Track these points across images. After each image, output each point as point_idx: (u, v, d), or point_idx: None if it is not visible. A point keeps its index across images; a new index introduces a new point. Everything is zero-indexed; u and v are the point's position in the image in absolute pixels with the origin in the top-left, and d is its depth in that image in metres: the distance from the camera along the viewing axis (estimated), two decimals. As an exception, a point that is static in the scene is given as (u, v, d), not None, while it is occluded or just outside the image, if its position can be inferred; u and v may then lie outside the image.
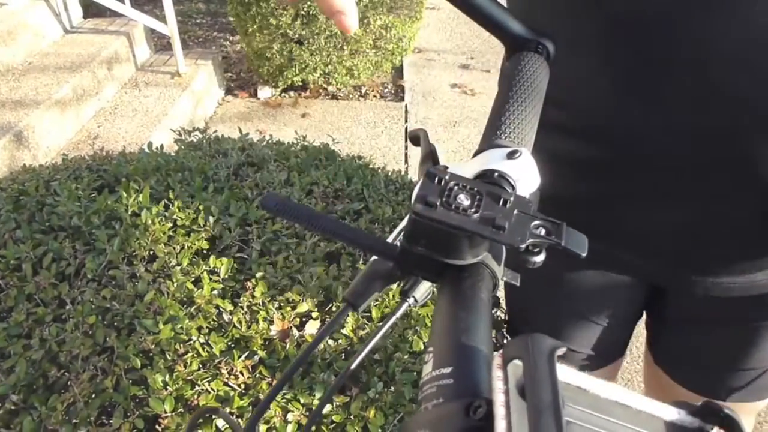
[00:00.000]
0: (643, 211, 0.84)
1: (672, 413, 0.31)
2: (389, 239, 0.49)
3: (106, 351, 1.12)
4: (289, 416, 1.05)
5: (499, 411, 0.28)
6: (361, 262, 1.31)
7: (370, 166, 1.75)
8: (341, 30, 0.60)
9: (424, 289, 0.48)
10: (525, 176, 0.46)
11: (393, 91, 4.68)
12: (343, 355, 1.15)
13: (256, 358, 1.12)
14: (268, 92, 4.46)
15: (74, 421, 1.04)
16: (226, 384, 1.08)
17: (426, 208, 0.39)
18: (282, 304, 1.19)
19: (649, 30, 0.69)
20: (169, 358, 1.10)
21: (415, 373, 1.13)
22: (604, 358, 1.15)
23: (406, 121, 4.24)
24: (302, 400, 1.07)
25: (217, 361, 1.10)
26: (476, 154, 0.50)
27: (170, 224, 1.32)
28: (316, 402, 1.07)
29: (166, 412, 1.03)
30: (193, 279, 1.22)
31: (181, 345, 1.11)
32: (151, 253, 1.27)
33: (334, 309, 1.22)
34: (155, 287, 1.19)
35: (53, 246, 1.26)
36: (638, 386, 2.35)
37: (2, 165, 2.89)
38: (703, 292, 0.88)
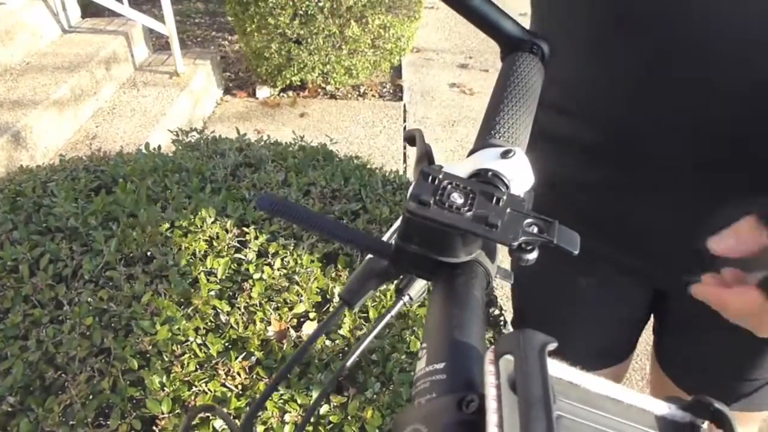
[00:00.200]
0: (645, 207, 0.84)
1: (663, 408, 0.31)
2: (384, 238, 0.49)
3: (103, 352, 1.12)
4: (287, 417, 1.05)
5: (491, 405, 0.29)
6: (358, 262, 1.31)
7: (368, 166, 1.75)
8: None
9: (419, 287, 0.48)
10: (519, 175, 0.47)
11: (391, 91, 4.68)
12: (340, 355, 1.15)
13: (253, 358, 1.12)
14: (267, 92, 4.46)
15: (71, 422, 1.04)
16: (223, 385, 1.08)
17: (419, 207, 0.39)
18: (279, 305, 1.20)
19: (650, 30, 0.69)
20: (166, 359, 1.10)
21: (412, 374, 1.13)
22: (612, 357, 1.15)
23: (404, 121, 4.24)
24: (299, 401, 1.07)
25: (214, 361, 1.10)
26: (471, 153, 0.50)
27: (167, 225, 1.32)
28: (312, 402, 1.07)
29: (163, 413, 1.03)
30: (190, 280, 1.22)
31: (179, 346, 1.11)
32: (149, 254, 1.27)
33: (331, 310, 1.22)
34: (152, 288, 1.19)
35: (50, 247, 1.26)
36: (636, 385, 2.35)
37: (0, 166, 2.89)
38: None
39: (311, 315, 1.20)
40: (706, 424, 0.31)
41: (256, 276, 1.23)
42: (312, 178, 1.55)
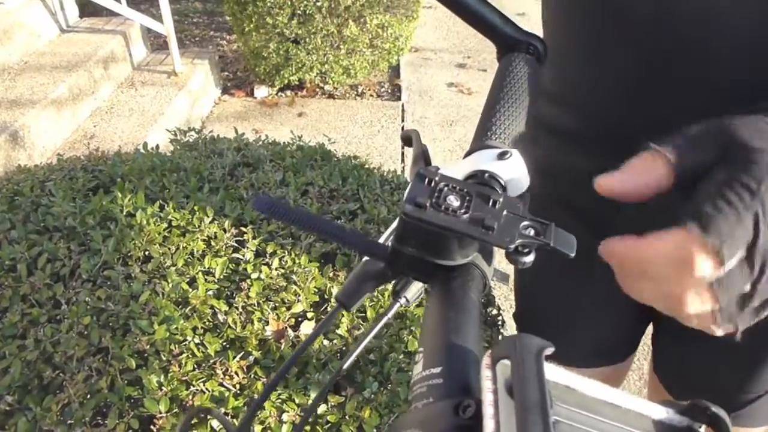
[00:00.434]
0: (645, 206, 0.84)
1: (660, 412, 0.31)
2: (381, 240, 0.49)
3: (101, 352, 1.12)
4: (284, 416, 1.05)
5: (488, 410, 0.29)
6: (356, 262, 1.31)
7: (366, 165, 1.75)
8: None
9: (416, 289, 0.49)
10: (515, 177, 0.47)
11: (390, 90, 4.68)
12: (338, 354, 1.15)
13: (251, 358, 1.12)
14: (265, 91, 4.46)
15: (69, 421, 1.04)
16: (221, 384, 1.08)
17: (415, 209, 0.39)
18: (277, 304, 1.20)
19: (650, 30, 0.69)
20: (164, 358, 1.10)
21: (410, 373, 1.13)
22: (613, 356, 1.15)
23: (402, 121, 4.24)
24: (297, 401, 1.07)
25: (212, 361, 1.10)
26: (467, 154, 0.50)
27: (165, 225, 1.32)
28: (310, 402, 1.07)
29: (161, 413, 1.03)
30: (188, 279, 1.22)
31: (176, 345, 1.11)
32: (147, 253, 1.27)
33: (329, 309, 1.22)
34: (150, 288, 1.19)
35: (48, 246, 1.26)
36: (634, 385, 2.35)
37: (-2, 165, 2.89)
38: None
39: (309, 315, 1.20)
40: (703, 428, 0.31)
41: (254, 276, 1.23)
42: (310, 178, 1.54)
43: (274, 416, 1.05)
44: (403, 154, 3.81)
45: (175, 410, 1.05)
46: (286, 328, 1.17)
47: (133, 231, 1.29)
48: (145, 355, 1.10)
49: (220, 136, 1.83)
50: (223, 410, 1.05)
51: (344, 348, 1.16)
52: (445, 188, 0.40)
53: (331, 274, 1.26)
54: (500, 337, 1.40)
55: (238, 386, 1.09)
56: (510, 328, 1.51)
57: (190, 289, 1.19)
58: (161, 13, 3.97)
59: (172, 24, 4.05)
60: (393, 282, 0.50)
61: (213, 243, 1.30)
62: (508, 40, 0.65)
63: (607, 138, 0.81)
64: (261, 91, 4.45)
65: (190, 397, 1.06)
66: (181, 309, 1.16)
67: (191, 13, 5.93)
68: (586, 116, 0.84)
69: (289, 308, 1.19)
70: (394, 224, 0.46)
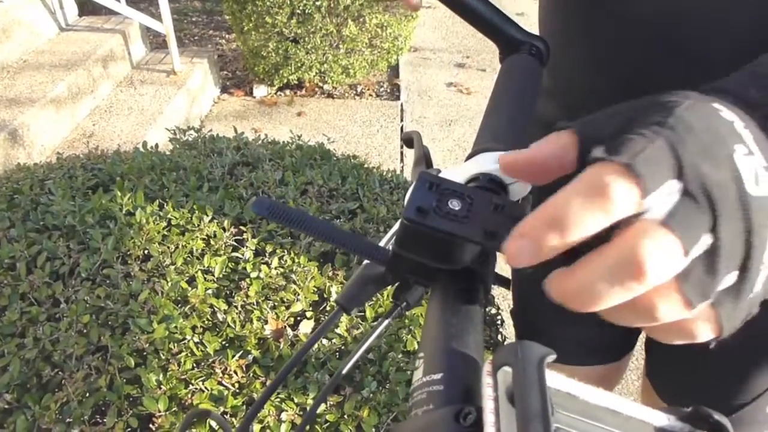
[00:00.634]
0: None
1: (662, 419, 0.31)
2: (381, 243, 0.49)
3: (100, 350, 1.12)
4: (283, 416, 1.05)
5: (489, 418, 0.28)
6: (355, 262, 1.31)
7: (366, 165, 1.75)
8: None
9: (417, 293, 0.48)
10: (518, 180, 0.47)
11: (389, 90, 4.68)
12: (337, 354, 1.15)
13: (250, 357, 1.12)
14: (264, 91, 4.46)
15: (68, 420, 1.04)
16: (219, 383, 1.08)
17: (417, 215, 0.39)
18: (276, 303, 1.20)
19: (650, 29, 0.69)
20: (163, 357, 1.10)
21: (408, 373, 1.13)
22: (610, 355, 1.15)
23: (401, 120, 4.24)
24: (296, 400, 1.07)
25: (211, 360, 1.10)
26: (469, 157, 0.50)
27: (165, 223, 1.32)
28: (309, 401, 1.07)
29: (159, 411, 1.03)
30: (187, 278, 1.22)
31: (175, 344, 1.11)
32: (146, 252, 1.27)
33: (328, 309, 1.22)
34: (149, 286, 1.19)
35: (47, 245, 1.26)
36: (632, 384, 2.35)
37: (-3, 163, 2.89)
38: None
39: (308, 314, 1.20)
40: None
41: (254, 275, 1.23)
42: (309, 177, 1.55)
43: (273, 415, 1.05)
44: (402, 153, 3.81)
45: (174, 409, 1.05)
46: (285, 327, 1.17)
47: (132, 230, 1.29)
48: (144, 353, 1.11)
49: (220, 135, 1.83)
50: (222, 409, 1.05)
51: (343, 347, 1.16)
52: (447, 192, 0.40)
53: (330, 274, 1.26)
54: (499, 336, 1.40)
55: (237, 385, 1.09)
56: (509, 328, 1.51)
57: (190, 288, 1.19)
58: (160, 12, 3.97)
59: (171, 23, 4.04)
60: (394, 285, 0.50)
61: (212, 242, 1.30)
62: (510, 41, 0.65)
63: None
64: (260, 91, 4.45)
65: (189, 395, 1.06)
66: (180, 308, 1.17)
67: (190, 12, 5.92)
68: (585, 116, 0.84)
69: (288, 307, 1.19)
70: (395, 228, 0.46)
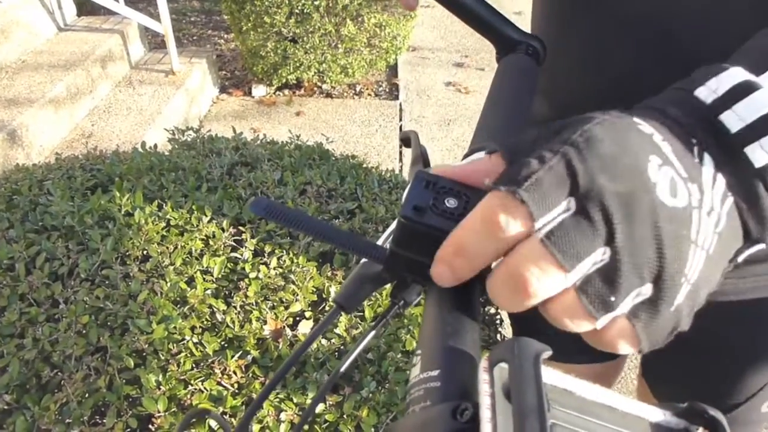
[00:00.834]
0: None
1: (658, 415, 0.31)
2: (379, 242, 0.49)
3: (100, 351, 1.12)
4: (282, 416, 1.05)
5: (485, 414, 0.29)
6: (354, 262, 1.31)
7: (364, 164, 1.75)
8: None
9: (414, 291, 0.48)
10: None
11: (387, 90, 4.68)
12: (336, 354, 1.15)
13: (249, 357, 1.13)
14: (263, 90, 4.46)
15: (67, 420, 1.04)
16: (219, 383, 1.08)
17: (414, 213, 0.39)
18: (275, 303, 1.20)
19: (643, 29, 0.69)
20: (163, 357, 1.10)
21: (408, 372, 1.13)
22: (601, 353, 1.15)
23: (400, 120, 4.24)
24: (295, 400, 1.07)
25: (210, 360, 1.10)
26: (466, 156, 0.50)
27: (163, 224, 1.32)
28: (308, 401, 1.07)
29: (159, 412, 1.03)
30: (186, 279, 1.22)
31: (175, 345, 1.11)
32: (145, 252, 1.27)
33: (327, 309, 1.22)
34: (148, 287, 1.19)
35: (46, 246, 1.26)
36: (632, 384, 2.36)
37: (-5, 164, 2.89)
38: None
39: (307, 314, 1.20)
40: (700, 431, 0.31)
41: (252, 275, 1.23)
42: (308, 177, 1.55)
43: (272, 415, 1.05)
44: (401, 153, 3.81)
45: (173, 409, 1.05)
46: (284, 327, 1.17)
47: (131, 230, 1.29)
48: (144, 354, 1.11)
49: (218, 135, 1.83)
50: (221, 409, 1.05)
51: (342, 347, 1.16)
52: (444, 190, 0.40)
53: (329, 274, 1.26)
54: (499, 336, 1.40)
55: (236, 385, 1.09)
56: (509, 327, 1.51)
57: (189, 289, 1.19)
58: (159, 12, 3.97)
59: (170, 23, 4.04)
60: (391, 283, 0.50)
61: (211, 242, 1.30)
62: (507, 41, 0.65)
63: None
64: (259, 90, 4.45)
65: (189, 396, 1.06)
66: (179, 308, 1.17)
67: (189, 12, 5.92)
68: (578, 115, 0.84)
69: (287, 308, 1.19)
70: (392, 226, 0.46)
